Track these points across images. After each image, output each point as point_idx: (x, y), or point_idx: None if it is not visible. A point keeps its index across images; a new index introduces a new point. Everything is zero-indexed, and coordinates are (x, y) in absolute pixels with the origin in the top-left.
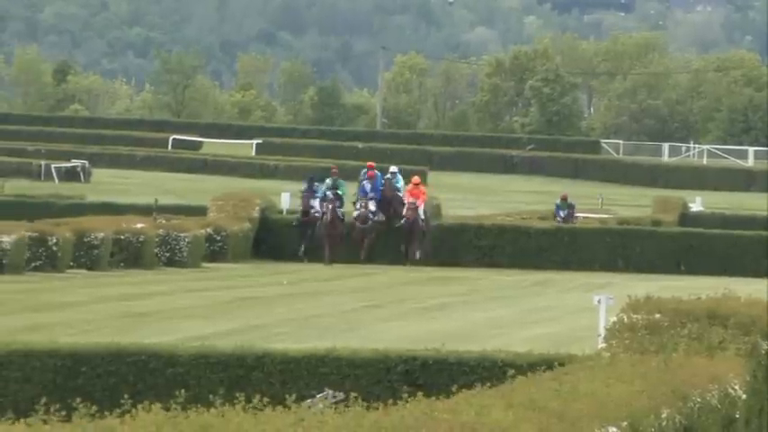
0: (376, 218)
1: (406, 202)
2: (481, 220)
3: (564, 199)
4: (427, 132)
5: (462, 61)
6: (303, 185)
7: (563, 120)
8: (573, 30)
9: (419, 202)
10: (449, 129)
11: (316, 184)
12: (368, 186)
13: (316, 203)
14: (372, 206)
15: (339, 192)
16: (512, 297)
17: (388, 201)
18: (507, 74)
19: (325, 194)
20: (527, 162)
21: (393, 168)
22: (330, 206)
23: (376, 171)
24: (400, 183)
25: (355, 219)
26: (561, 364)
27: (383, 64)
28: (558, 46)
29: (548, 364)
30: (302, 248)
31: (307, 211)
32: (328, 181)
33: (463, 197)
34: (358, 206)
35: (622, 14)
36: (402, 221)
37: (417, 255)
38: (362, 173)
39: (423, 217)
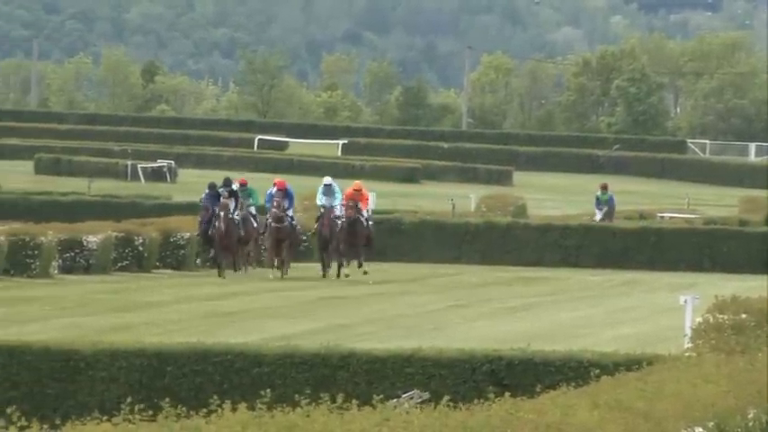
0: (294, 222)
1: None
2: (567, 220)
3: (604, 188)
4: (513, 132)
5: (548, 61)
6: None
7: (649, 119)
8: (659, 29)
9: (361, 204)
10: (534, 129)
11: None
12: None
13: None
14: (290, 212)
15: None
16: (597, 297)
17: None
18: (593, 73)
19: (218, 194)
20: (613, 162)
21: (327, 179)
22: (223, 213)
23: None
24: (338, 194)
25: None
26: (648, 364)
27: (469, 64)
28: (645, 45)
29: (633, 364)
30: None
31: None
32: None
33: (549, 197)
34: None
35: (709, 14)
36: (341, 221)
37: (362, 264)
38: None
39: (366, 216)
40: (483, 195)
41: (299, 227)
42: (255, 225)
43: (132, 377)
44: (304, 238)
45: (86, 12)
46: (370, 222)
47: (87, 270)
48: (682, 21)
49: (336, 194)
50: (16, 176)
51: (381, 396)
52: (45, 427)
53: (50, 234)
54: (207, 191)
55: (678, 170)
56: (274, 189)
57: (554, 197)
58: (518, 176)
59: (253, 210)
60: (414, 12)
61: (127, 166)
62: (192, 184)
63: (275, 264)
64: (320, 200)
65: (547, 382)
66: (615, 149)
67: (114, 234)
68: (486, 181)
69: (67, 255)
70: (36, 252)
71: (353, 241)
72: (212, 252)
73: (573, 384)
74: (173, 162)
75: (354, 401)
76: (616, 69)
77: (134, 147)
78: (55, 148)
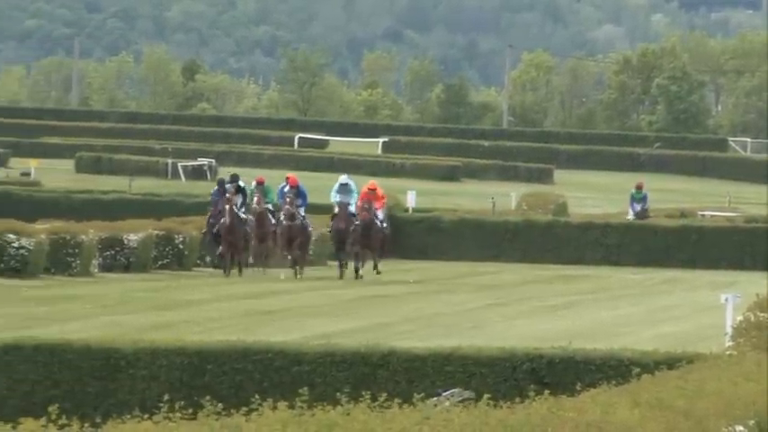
0: (305, 220)
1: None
2: (608, 218)
3: (639, 187)
4: (554, 130)
5: (589, 59)
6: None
7: (690, 118)
8: (700, 27)
9: (376, 204)
10: (575, 127)
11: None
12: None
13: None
14: (302, 210)
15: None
16: (638, 295)
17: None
18: (634, 71)
19: (225, 191)
20: (654, 160)
21: (343, 178)
22: (228, 207)
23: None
24: (354, 193)
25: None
26: (688, 363)
27: (510, 62)
28: (686, 43)
29: (674, 362)
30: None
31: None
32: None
33: (589, 195)
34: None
35: (750, 12)
36: (356, 224)
37: (377, 266)
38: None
39: (381, 218)
40: (523, 194)
41: (310, 227)
42: (273, 222)
43: (173, 375)
44: (314, 238)
45: (128, 10)
46: (385, 224)
47: (128, 268)
48: (723, 19)
49: (353, 193)
50: (57, 175)
51: (422, 395)
52: (86, 425)
53: (91, 232)
54: (216, 188)
55: (719, 168)
56: (287, 186)
57: (595, 195)
58: (559, 175)
59: (270, 207)
60: (455, 10)
61: (167, 164)
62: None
63: (288, 262)
64: (334, 197)
65: (587, 380)
66: (656, 148)
67: (155, 232)
68: (526, 179)
69: (108, 253)
70: (77, 251)
71: (368, 243)
72: (219, 249)
73: (613, 383)
74: (213, 160)
75: (395, 400)
76: (657, 67)
77: (175, 145)
78: (96, 147)
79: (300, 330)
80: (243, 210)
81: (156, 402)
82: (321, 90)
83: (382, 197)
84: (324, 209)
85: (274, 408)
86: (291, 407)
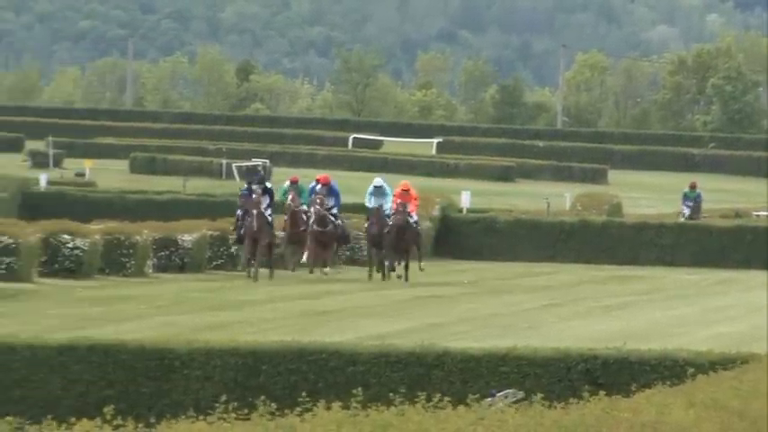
0: (338, 221)
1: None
2: (662, 218)
3: (693, 187)
4: (608, 131)
5: (644, 59)
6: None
7: (745, 118)
8: (756, 27)
9: (410, 206)
10: (630, 127)
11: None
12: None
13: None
14: (335, 210)
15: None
16: (693, 296)
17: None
18: (689, 72)
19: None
20: (708, 160)
21: (378, 181)
22: (255, 210)
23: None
24: (389, 195)
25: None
26: (743, 363)
27: (564, 62)
28: (741, 44)
29: (729, 362)
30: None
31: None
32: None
33: (644, 196)
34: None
35: None
36: (389, 226)
37: (407, 274)
38: (312, 185)
39: (415, 218)
40: (578, 194)
41: (347, 231)
42: (305, 220)
43: (227, 376)
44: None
45: (182, 11)
46: (419, 227)
47: (182, 269)
48: None
49: (387, 196)
50: (112, 175)
51: (476, 395)
52: (140, 425)
53: (145, 233)
54: (245, 186)
55: None
56: (318, 185)
57: (649, 196)
58: (613, 175)
59: (305, 207)
60: (509, 10)
61: (222, 164)
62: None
63: (313, 264)
64: (369, 201)
65: (642, 380)
66: (711, 148)
67: (209, 233)
68: (581, 179)
69: (162, 253)
70: (131, 251)
71: (401, 246)
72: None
73: (668, 383)
74: (267, 161)
75: (449, 400)
76: (712, 68)
77: (229, 145)
78: (150, 147)
79: (355, 331)
80: (269, 210)
81: (210, 403)
82: (375, 91)
83: (416, 197)
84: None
85: (329, 408)
86: (346, 407)
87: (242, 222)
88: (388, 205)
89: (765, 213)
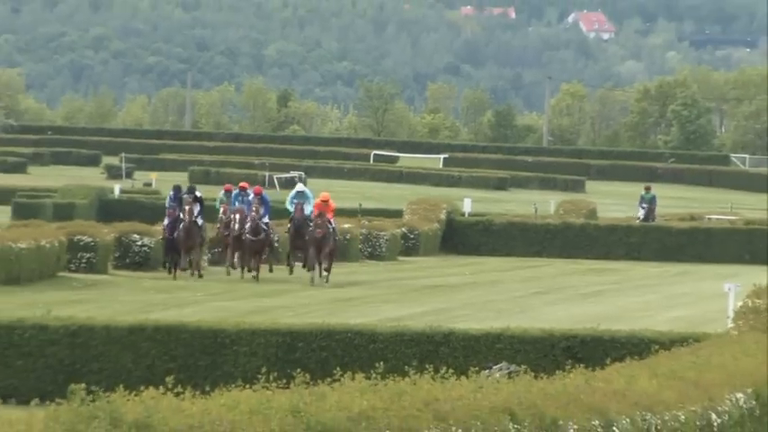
0: (269, 230)
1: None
2: (630, 221)
3: (647, 189)
4: (585, 148)
5: (615, 89)
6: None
7: (699, 138)
8: (707, 63)
9: (328, 214)
10: (603, 145)
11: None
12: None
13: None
14: (266, 218)
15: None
16: (656, 285)
17: (299, 225)
18: (653, 99)
19: (180, 199)
20: (669, 173)
21: (300, 186)
22: (187, 217)
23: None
24: (311, 200)
25: (247, 231)
26: (697, 341)
27: (549, 91)
28: (695, 76)
29: (686, 340)
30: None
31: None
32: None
33: (615, 202)
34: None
35: (748, 50)
36: (310, 230)
37: (327, 276)
38: (236, 192)
39: (333, 225)
40: (561, 201)
41: (274, 235)
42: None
43: (269, 352)
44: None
45: (231, 48)
46: (337, 236)
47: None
48: (725, 56)
49: (309, 199)
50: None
51: (476, 368)
52: (197, 393)
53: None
54: (171, 193)
55: (722, 180)
56: (251, 195)
57: (620, 202)
58: (590, 185)
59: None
60: (503, 48)
61: (265, 176)
62: (319, 191)
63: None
64: (290, 205)
65: (614, 355)
66: (670, 162)
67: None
68: (563, 189)
69: (216, 250)
70: None
71: (321, 252)
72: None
73: (636, 358)
74: (302, 173)
75: (453, 372)
76: (671, 96)
77: (270, 160)
78: (205, 162)
79: (375, 314)
80: (200, 217)
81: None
82: (392, 115)
83: (332, 209)
84: (391, 213)
85: (353, 378)
86: (368, 378)
87: (171, 227)
88: (310, 209)
89: (716, 217)
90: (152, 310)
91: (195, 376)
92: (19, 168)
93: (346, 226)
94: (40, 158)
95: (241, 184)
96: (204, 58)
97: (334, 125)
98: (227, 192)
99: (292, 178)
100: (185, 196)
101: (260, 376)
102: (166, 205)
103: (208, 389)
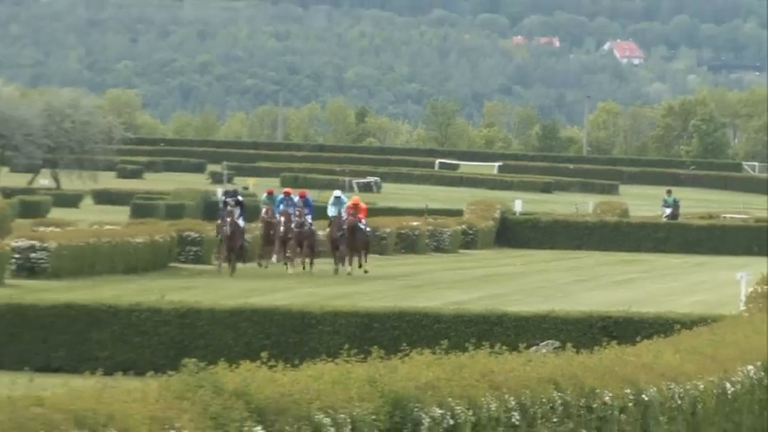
0: (312, 227)
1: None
2: (657, 219)
3: (669, 192)
4: (619, 157)
5: (644, 107)
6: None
7: (715, 148)
8: (722, 84)
9: (360, 215)
10: (634, 154)
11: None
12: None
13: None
14: (309, 218)
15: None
16: (678, 274)
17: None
18: (676, 116)
19: (225, 203)
20: (690, 178)
21: (337, 192)
22: (229, 219)
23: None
24: (344, 205)
25: (294, 226)
26: (714, 322)
27: (587, 108)
28: (712, 96)
29: (704, 321)
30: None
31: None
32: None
33: (645, 203)
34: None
35: (757, 73)
36: (343, 228)
37: (364, 266)
38: (281, 197)
39: (364, 223)
40: (598, 202)
41: (316, 232)
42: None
43: (349, 331)
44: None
45: (317, 72)
46: (368, 229)
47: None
48: (738, 78)
49: (343, 205)
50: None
51: (525, 344)
52: (287, 366)
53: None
54: (223, 198)
55: (736, 184)
56: (296, 198)
57: (648, 203)
58: (623, 188)
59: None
60: (549, 72)
61: (345, 181)
62: (392, 193)
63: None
64: (330, 211)
65: (643, 334)
66: (691, 169)
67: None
68: (599, 191)
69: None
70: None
71: (354, 245)
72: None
73: (661, 336)
74: (378, 178)
75: (506, 348)
76: (692, 113)
77: (350, 167)
78: (294, 168)
79: (440, 299)
80: (241, 219)
81: (337, 350)
82: (454, 128)
83: (363, 209)
84: (453, 212)
85: (421, 354)
86: (433, 353)
87: (220, 229)
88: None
89: (730, 215)
90: (250, 295)
91: (286, 352)
92: (136, 175)
93: (415, 223)
94: (154, 166)
95: (285, 189)
96: (294, 80)
97: (405, 137)
98: (270, 194)
99: (369, 183)
100: (228, 200)
101: (341, 352)
102: (219, 211)
103: (297, 362)
